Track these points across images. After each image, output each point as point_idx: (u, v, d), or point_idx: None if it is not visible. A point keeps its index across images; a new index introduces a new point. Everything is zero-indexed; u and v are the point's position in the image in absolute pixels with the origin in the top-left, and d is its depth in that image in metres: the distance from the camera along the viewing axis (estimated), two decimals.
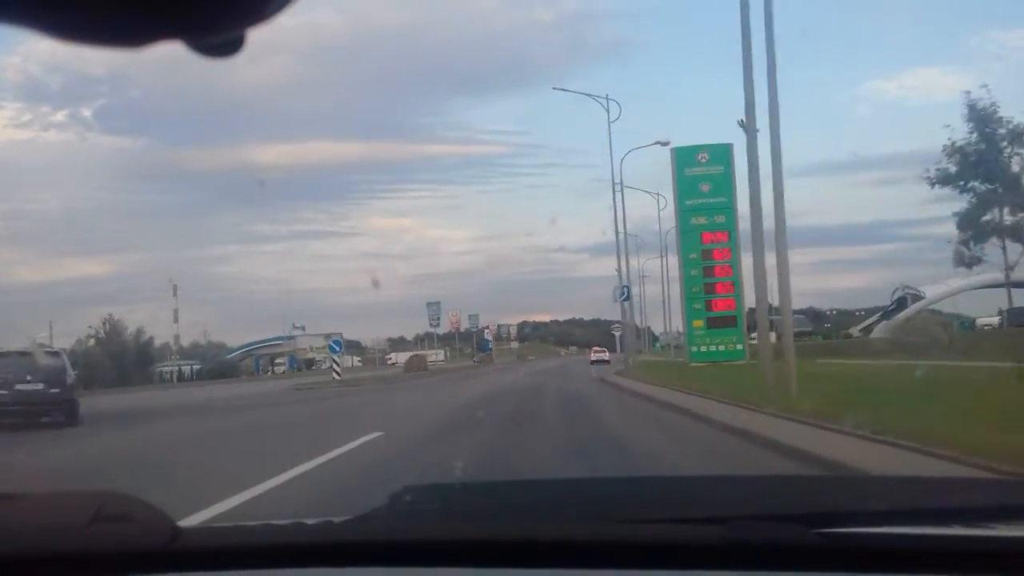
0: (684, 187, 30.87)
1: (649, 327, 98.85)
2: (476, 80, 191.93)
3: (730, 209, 31.65)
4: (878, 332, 75.66)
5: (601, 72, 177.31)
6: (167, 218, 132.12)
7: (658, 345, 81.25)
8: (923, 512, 1.48)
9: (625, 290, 34.98)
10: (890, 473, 5.51)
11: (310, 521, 1.54)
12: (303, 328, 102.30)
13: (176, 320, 72.16)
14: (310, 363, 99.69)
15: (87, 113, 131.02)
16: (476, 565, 1.37)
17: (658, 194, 49.71)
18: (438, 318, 71.78)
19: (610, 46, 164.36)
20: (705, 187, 31.14)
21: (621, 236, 36.25)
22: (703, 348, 32.69)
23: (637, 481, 2.67)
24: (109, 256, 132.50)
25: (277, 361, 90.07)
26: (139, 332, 71.50)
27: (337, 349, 38.69)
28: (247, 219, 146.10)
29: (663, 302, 58.22)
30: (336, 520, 1.53)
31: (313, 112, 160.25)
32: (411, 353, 78.33)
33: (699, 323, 33.35)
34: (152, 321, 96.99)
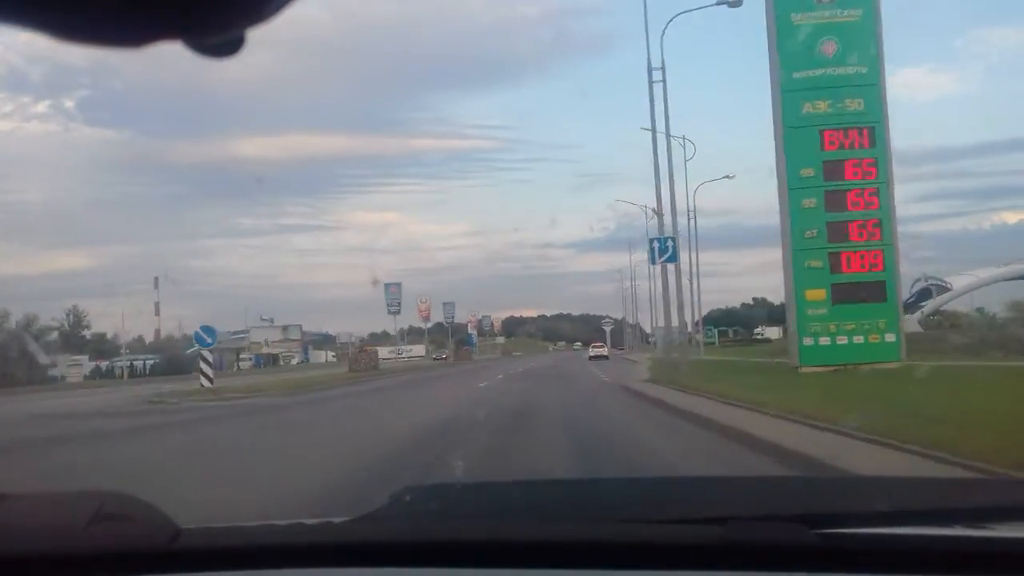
0: (789, 47, 11.58)
1: (638, 323, 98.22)
2: (461, 75, 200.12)
3: (875, 87, 11.42)
4: (905, 326, 60.64)
5: (587, 66, 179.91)
6: (151, 211, 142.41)
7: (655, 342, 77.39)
8: (923, 513, 1.61)
9: (668, 245, 15.09)
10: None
11: (310, 521, 1.64)
12: (271, 320, 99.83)
13: (157, 313, 79.81)
14: (274, 359, 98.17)
15: (69, 104, 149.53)
16: (476, 566, 1.50)
17: (683, 138, 42.66)
18: (398, 303, 56.84)
19: (596, 40, 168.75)
20: (829, 46, 11.23)
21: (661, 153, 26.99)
22: (824, 339, 15.33)
23: (637, 482, 2.82)
24: (93, 248, 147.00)
25: (242, 356, 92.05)
26: (30, 320, 66.49)
27: (208, 341, 27.90)
28: (231, 212, 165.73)
29: (692, 273, 50.26)
30: (336, 520, 1.64)
31: (298, 106, 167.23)
32: (393, 348, 76.86)
33: (818, 294, 21.20)
34: (135, 314, 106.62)
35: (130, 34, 0.62)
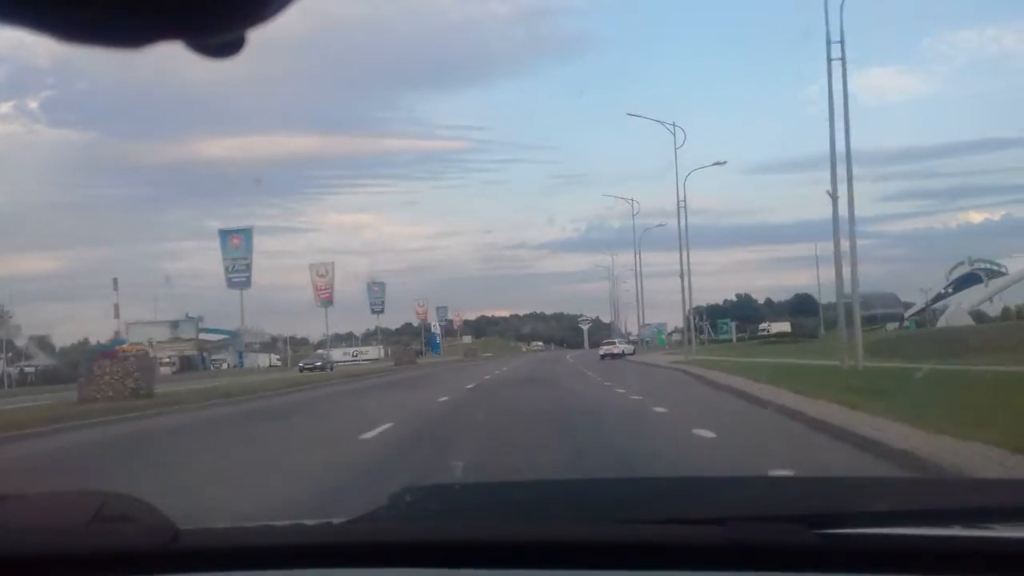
0: None
1: (614, 321, 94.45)
2: (432, 75, 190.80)
3: None
4: (952, 318, 58.07)
5: (559, 66, 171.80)
6: (117, 213, 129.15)
7: (662, 337, 71.67)
8: (924, 513, 1.59)
9: None
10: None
11: (309, 522, 1.63)
12: (200, 318, 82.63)
13: (116, 316, 64.99)
14: (199, 361, 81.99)
15: (33, 105, 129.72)
16: (475, 566, 1.49)
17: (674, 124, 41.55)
18: (245, 265, 25.33)
19: (567, 40, 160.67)
20: None
21: None
22: None
23: (637, 482, 2.79)
24: (57, 252, 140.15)
25: (164, 359, 72.76)
26: None
27: None
28: (200, 214, 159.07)
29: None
30: (335, 521, 1.63)
31: (266, 106, 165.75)
32: (347, 350, 75.71)
33: None
34: (101, 317, 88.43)
35: (130, 34, 0.61)
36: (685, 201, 40.91)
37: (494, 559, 1.43)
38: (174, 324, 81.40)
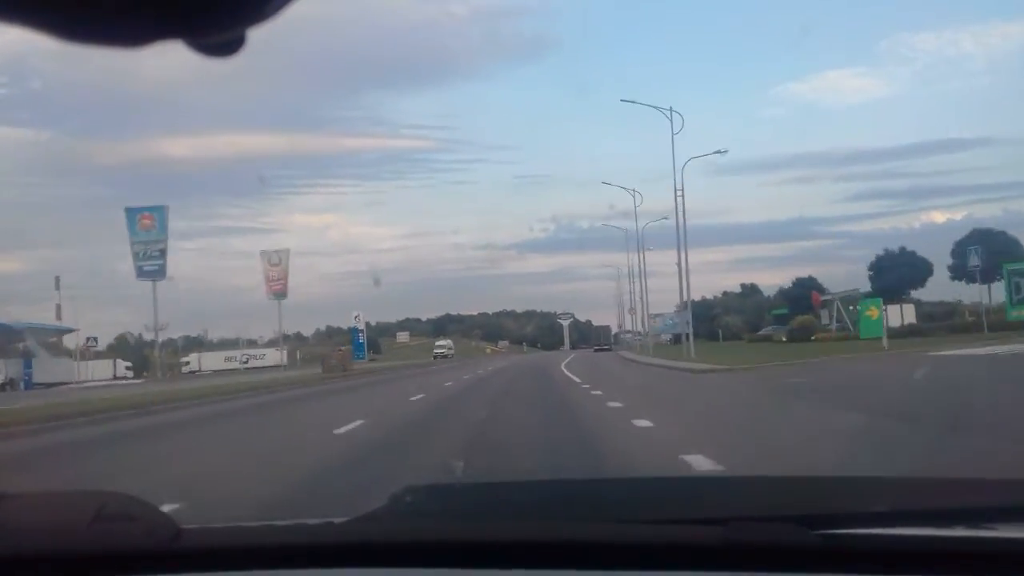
0: None
1: (590, 320, 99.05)
2: (395, 75, 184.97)
3: None
4: None
5: (521, 66, 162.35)
6: (74, 213, 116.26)
7: (874, 323, 48.83)
8: (924, 513, 1.62)
9: None
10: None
11: (311, 521, 1.67)
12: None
13: (58, 318, 64.09)
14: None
15: None
16: (476, 566, 1.52)
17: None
18: (159, 252, 40.86)
19: (528, 41, 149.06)
20: None
21: None
22: None
23: (637, 482, 2.77)
24: (10, 253, 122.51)
25: None
26: None
27: None
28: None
29: None
30: (337, 521, 1.65)
31: (228, 105, 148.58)
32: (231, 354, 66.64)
33: None
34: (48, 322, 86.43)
35: (131, 34, 0.62)
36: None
37: (495, 559, 1.44)
38: None
